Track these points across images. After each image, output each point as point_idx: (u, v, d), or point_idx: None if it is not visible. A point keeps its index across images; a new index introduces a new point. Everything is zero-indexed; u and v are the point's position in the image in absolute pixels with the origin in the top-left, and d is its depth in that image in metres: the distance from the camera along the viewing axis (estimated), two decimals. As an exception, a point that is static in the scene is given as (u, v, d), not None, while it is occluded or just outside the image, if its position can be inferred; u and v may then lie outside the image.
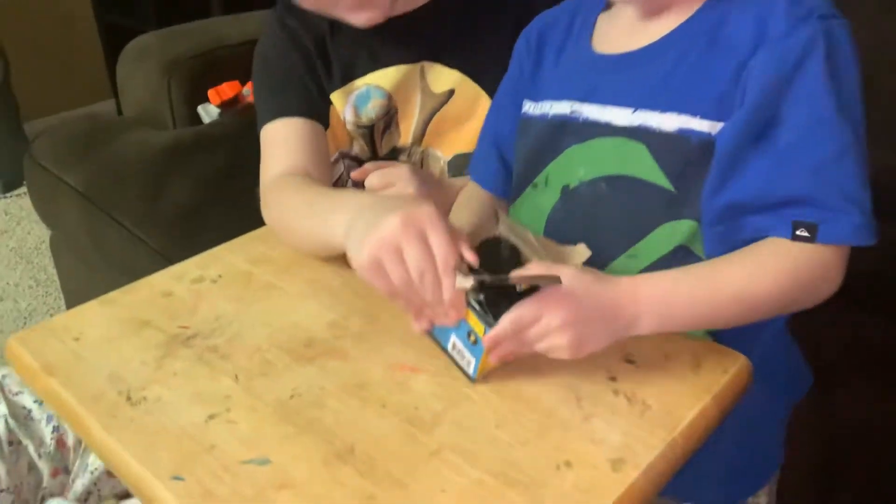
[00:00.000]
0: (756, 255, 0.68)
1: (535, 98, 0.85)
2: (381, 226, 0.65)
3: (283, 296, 0.82)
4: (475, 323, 0.66)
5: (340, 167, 1.10)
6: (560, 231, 0.78)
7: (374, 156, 1.09)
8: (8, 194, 2.77)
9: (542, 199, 0.81)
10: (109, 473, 0.94)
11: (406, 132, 1.07)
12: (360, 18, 0.95)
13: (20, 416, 0.95)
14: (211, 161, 1.59)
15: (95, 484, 0.96)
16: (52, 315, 2.09)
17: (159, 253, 1.41)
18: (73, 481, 0.96)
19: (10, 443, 0.93)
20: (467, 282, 0.64)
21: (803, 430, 0.90)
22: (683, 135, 0.70)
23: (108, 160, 1.60)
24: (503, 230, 0.72)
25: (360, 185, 1.00)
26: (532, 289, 0.64)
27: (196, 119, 1.76)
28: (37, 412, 0.96)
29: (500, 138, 0.91)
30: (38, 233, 2.47)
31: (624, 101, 0.74)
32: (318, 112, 1.03)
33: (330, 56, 1.04)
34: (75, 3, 3.13)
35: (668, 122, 0.71)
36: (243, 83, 1.73)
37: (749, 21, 0.69)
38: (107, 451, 0.65)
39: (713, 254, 0.71)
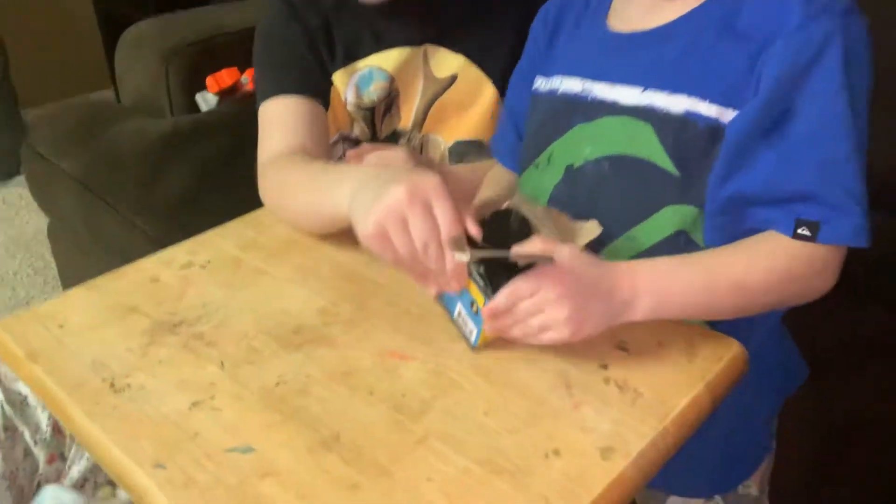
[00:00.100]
0: (755, 248, 0.68)
1: (547, 73, 0.84)
2: (387, 196, 0.65)
3: (273, 282, 0.81)
4: (477, 294, 0.66)
5: (340, 149, 1.08)
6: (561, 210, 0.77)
7: (375, 138, 1.08)
8: (6, 182, 2.76)
9: (543, 178, 0.80)
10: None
11: (407, 116, 1.06)
12: None
13: (16, 403, 0.94)
14: (208, 149, 1.58)
15: (92, 470, 0.95)
16: (50, 304, 2.08)
17: (156, 240, 1.40)
18: (70, 467, 0.96)
19: (6, 429, 0.93)
20: (465, 256, 0.64)
21: (797, 421, 0.90)
22: (691, 118, 0.69)
23: (106, 148, 1.59)
24: (515, 201, 0.72)
25: None
26: (535, 263, 0.64)
27: (194, 107, 1.75)
28: (32, 398, 0.96)
29: (516, 115, 0.91)
30: (36, 221, 2.46)
31: (634, 80, 0.74)
32: (319, 91, 1.02)
33: (333, 35, 1.02)
34: (73, -9, 3.12)
35: (677, 103, 0.70)
36: (242, 71, 1.73)
37: (767, 10, 0.68)
38: (89, 439, 0.64)
39: (712, 242, 0.71)
